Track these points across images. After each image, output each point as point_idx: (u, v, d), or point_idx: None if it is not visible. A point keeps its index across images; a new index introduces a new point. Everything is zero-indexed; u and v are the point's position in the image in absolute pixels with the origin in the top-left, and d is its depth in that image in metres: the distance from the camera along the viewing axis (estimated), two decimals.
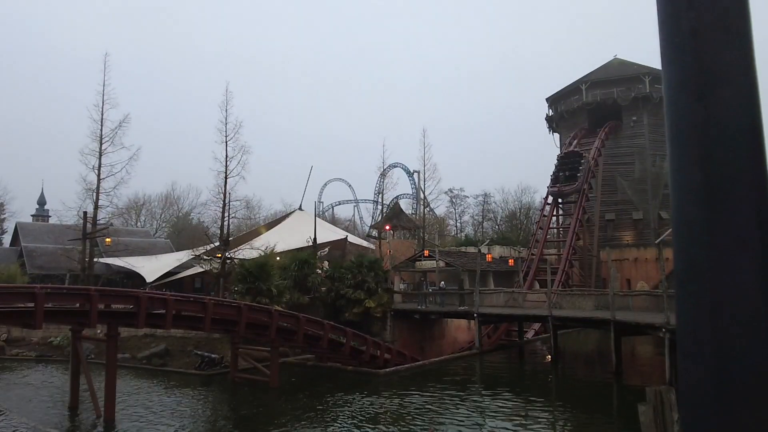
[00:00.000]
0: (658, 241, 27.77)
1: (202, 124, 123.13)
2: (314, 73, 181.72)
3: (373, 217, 71.07)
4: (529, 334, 37.16)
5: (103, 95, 35.93)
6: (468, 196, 78.40)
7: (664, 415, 5.07)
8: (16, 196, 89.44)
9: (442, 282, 35.53)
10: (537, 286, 40.31)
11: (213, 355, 28.35)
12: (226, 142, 36.81)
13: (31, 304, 17.62)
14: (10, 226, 77.68)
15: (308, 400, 22.49)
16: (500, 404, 21.29)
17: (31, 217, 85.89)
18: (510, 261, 42.29)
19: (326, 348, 26.72)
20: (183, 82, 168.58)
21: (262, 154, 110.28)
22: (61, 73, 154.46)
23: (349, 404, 21.30)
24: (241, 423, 19.93)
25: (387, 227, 46.80)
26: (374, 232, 53.11)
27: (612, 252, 46.50)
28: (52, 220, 77.14)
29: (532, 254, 45.13)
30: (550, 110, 62.38)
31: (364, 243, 51.65)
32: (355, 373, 27.13)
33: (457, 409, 20.42)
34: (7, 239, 74.34)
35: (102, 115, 35.89)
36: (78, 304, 19.41)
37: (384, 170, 51.16)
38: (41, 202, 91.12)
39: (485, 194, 77.73)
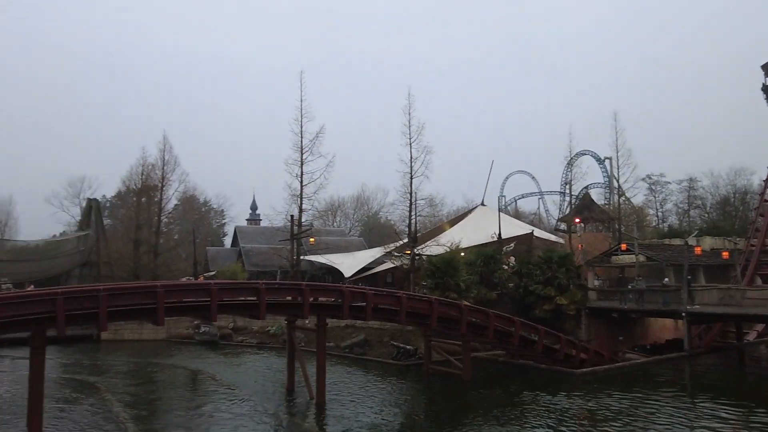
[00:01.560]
0: None
1: (389, 127, 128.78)
2: (491, 65, 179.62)
3: (560, 210, 68.32)
4: (751, 336, 32.76)
5: (301, 110, 39.64)
6: (670, 182, 71.27)
7: None
8: (234, 203, 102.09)
9: (666, 279, 32.56)
10: (759, 281, 35.35)
11: (408, 347, 29.72)
12: (410, 144, 38.29)
13: (254, 298, 20.15)
14: (230, 230, 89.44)
15: (501, 396, 22.48)
16: (714, 413, 19.13)
17: (246, 221, 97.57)
18: (724, 253, 37.49)
19: (517, 345, 26.43)
20: (369, 89, 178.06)
21: (443, 151, 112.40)
22: (267, 91, 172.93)
23: (543, 403, 20.83)
24: (437, 413, 20.62)
25: (577, 220, 44.65)
26: (563, 226, 50.96)
27: None
28: (263, 223, 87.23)
29: (752, 245, 39.57)
30: None
31: (552, 237, 49.81)
32: (548, 371, 26.46)
33: (662, 415, 18.83)
34: (228, 241, 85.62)
35: (301, 128, 39.63)
36: (291, 298, 21.72)
37: (571, 159, 48.77)
38: (253, 207, 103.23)
39: (690, 179, 69.89)
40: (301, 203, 39.73)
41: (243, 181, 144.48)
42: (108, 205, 77.24)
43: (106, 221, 65.47)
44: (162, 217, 54.06)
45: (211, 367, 29.71)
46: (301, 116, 39.59)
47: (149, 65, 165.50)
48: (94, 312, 16.50)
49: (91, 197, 66.44)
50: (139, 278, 48.37)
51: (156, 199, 53.04)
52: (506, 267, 37.05)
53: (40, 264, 49.10)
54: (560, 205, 68.93)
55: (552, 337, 27.16)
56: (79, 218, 67.60)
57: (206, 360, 32.36)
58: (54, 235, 72.60)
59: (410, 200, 38.41)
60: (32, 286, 37.83)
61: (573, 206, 49.04)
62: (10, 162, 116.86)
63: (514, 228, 48.60)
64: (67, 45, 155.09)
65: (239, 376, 27.21)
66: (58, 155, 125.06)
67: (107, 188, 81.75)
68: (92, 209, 60.04)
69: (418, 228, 40.12)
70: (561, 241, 45.74)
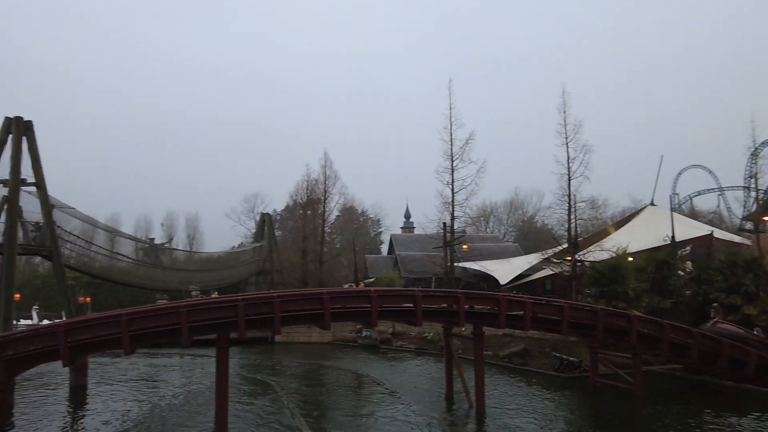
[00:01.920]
0: None
1: (542, 128, 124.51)
2: (652, 54, 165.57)
3: (745, 207, 60.62)
4: None
5: (450, 118, 40.10)
6: None
7: None
8: (389, 212, 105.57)
9: None
10: None
11: (571, 358, 28.36)
12: (567, 144, 36.76)
13: (411, 305, 20.59)
14: (386, 238, 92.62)
15: (678, 414, 20.47)
16: None
17: (400, 229, 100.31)
18: None
19: (697, 359, 23.90)
20: (520, 90, 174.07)
21: (604, 149, 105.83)
22: (415, 98, 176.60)
23: (728, 425, 18.57)
24: (606, 428, 19.37)
25: (766, 218, 39.36)
26: (748, 225, 45.20)
27: None
28: (416, 231, 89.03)
29: None
30: None
31: (736, 238, 44.45)
32: (735, 389, 23.56)
33: None
34: (384, 249, 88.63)
35: (451, 135, 40.09)
36: (446, 305, 21.82)
37: (755, 149, 43.08)
38: (407, 215, 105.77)
39: None
40: (453, 210, 39.99)
41: (396, 189, 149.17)
42: (278, 218, 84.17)
43: (277, 233, 71.38)
44: (325, 228, 57.72)
45: (374, 370, 30.87)
46: (451, 124, 40.09)
47: (299, 80, 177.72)
48: (270, 317, 18.04)
49: (264, 211, 72.96)
50: (307, 285, 52.06)
51: (320, 212, 56.91)
52: (682, 273, 33.85)
53: (222, 273, 54.80)
54: (744, 201, 61.21)
55: (739, 351, 24.17)
56: (254, 231, 74.66)
57: (369, 363, 33.72)
58: (233, 247, 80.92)
59: (569, 203, 36.75)
60: (216, 293, 42.38)
61: (760, 202, 43.26)
62: (195, 182, 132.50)
63: (689, 229, 44.30)
64: (225, 70, 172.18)
65: (400, 380, 27.92)
66: (234, 174, 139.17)
67: (277, 203, 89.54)
68: (265, 222, 65.87)
69: (578, 232, 38.22)
70: (747, 242, 40.65)
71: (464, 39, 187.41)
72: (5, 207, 25.31)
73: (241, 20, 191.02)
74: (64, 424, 20.21)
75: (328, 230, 61.43)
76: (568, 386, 25.88)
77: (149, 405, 23.18)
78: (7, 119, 25.69)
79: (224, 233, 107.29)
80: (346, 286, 48.72)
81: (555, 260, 39.56)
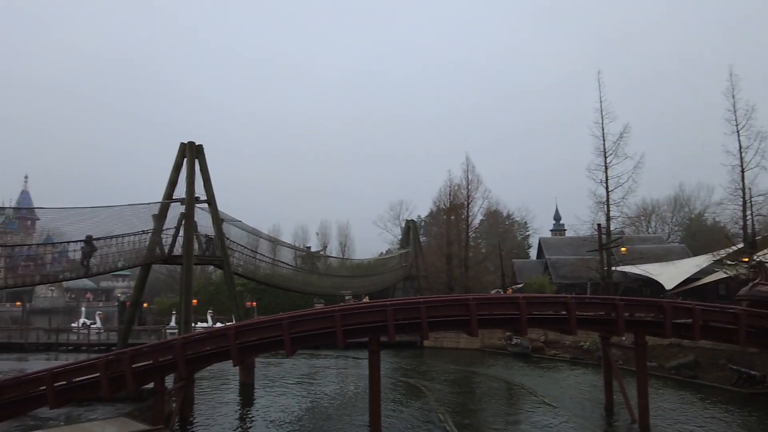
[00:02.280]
0: None
1: (705, 116, 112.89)
2: None
3: None
4: None
5: (601, 111, 37.90)
6: None
7: None
8: (536, 215, 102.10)
9: None
10: None
11: (752, 372, 25.22)
12: (738, 132, 33.15)
13: (564, 312, 19.65)
14: (534, 242, 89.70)
15: None
16: None
17: (550, 232, 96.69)
18: None
19: None
20: (676, 78, 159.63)
21: None
22: (561, 96, 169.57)
23: None
24: None
25: None
26: None
27: None
28: (567, 234, 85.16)
29: None
30: None
31: None
32: None
33: None
34: (533, 253, 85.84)
35: (603, 130, 37.84)
36: (603, 313, 20.50)
37: None
38: (557, 218, 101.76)
39: None
40: (608, 210, 37.69)
41: (544, 191, 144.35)
42: (422, 224, 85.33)
43: (422, 239, 72.35)
44: (469, 233, 57.33)
45: (527, 379, 29.90)
46: (602, 117, 37.97)
47: (439, 88, 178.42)
48: (417, 322, 18.30)
49: (408, 218, 74.43)
50: (452, 290, 52.08)
51: (463, 216, 56.67)
52: None
53: (372, 279, 56.73)
54: None
55: None
56: (399, 237, 76.46)
57: (521, 372, 32.73)
58: (381, 253, 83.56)
59: (743, 197, 32.95)
60: (367, 298, 43.95)
61: None
62: (346, 193, 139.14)
63: None
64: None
65: (556, 391, 26.69)
66: (381, 183, 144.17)
67: (421, 209, 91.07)
68: (410, 229, 67.15)
69: (756, 230, 34.03)
70: None
71: (616, 32, 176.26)
72: (183, 222, 28.49)
73: (380, 34, 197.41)
74: (237, 416, 22.25)
75: (473, 235, 60.87)
76: (748, 403, 23.00)
77: (310, 403, 24.69)
78: (182, 144, 28.90)
79: (372, 240, 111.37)
80: (493, 291, 47.89)
81: (729, 262, 35.55)
